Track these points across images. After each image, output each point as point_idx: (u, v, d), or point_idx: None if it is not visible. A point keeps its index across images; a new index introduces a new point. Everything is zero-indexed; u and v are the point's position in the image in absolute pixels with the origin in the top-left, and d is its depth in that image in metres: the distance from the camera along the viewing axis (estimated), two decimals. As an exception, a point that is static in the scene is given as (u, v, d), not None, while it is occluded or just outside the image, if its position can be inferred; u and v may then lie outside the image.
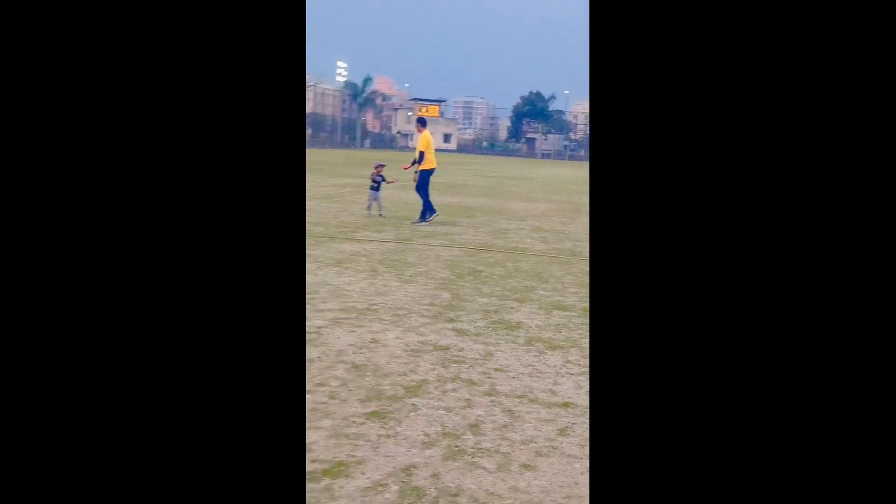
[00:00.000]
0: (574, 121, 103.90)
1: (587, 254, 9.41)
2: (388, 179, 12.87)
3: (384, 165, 13.08)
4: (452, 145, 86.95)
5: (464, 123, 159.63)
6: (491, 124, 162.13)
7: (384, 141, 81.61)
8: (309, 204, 14.24)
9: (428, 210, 12.15)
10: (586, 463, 3.23)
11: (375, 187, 12.77)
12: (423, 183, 12.25)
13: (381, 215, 12.55)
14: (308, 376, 4.19)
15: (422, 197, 12.23)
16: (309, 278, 7.03)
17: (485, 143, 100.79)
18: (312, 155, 43.58)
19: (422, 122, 12.92)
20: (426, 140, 12.41)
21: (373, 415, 3.68)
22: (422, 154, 12.29)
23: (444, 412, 3.77)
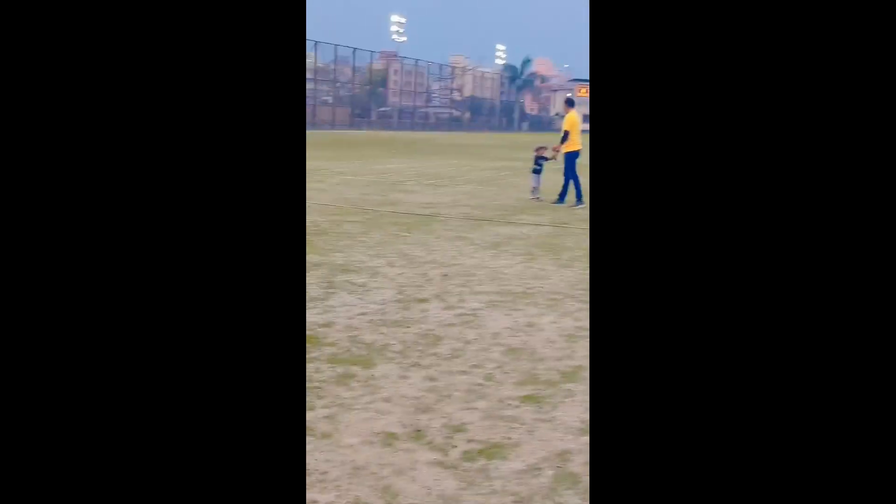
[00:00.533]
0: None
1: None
2: (548, 157, 12.74)
3: (545, 147, 12.98)
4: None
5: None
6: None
7: (542, 123, 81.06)
8: (466, 187, 14.42)
9: (577, 195, 11.87)
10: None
11: (538, 170, 12.71)
12: (569, 166, 12.00)
13: (539, 199, 12.49)
14: (465, 357, 4.26)
15: (570, 180, 11.99)
16: (465, 261, 7.12)
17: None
18: (472, 138, 44.06)
19: (570, 103, 12.79)
20: (571, 120, 12.17)
21: (528, 398, 3.68)
22: (566, 133, 12.05)
23: (600, 399, 3.71)
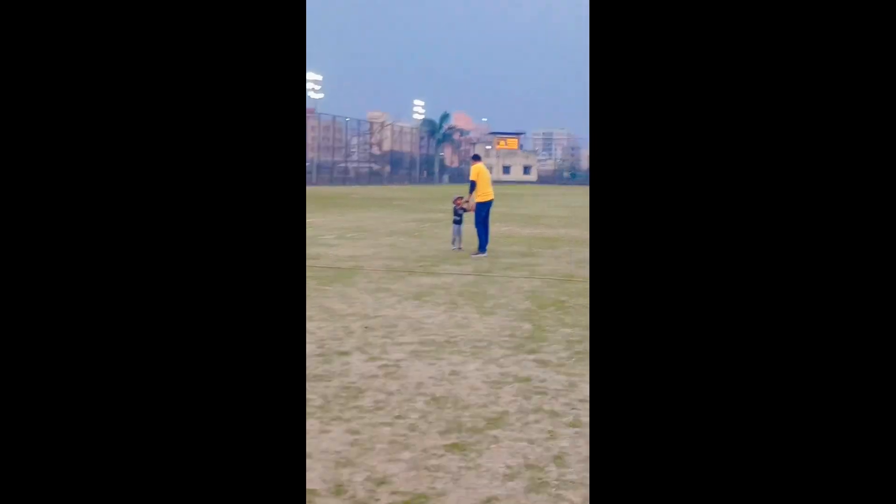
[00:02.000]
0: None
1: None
2: (467, 209, 12.89)
3: (462, 198, 13.12)
4: (532, 177, 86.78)
5: (543, 154, 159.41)
6: (572, 154, 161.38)
7: (463, 175, 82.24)
8: (388, 240, 14.40)
9: (480, 245, 12.08)
10: (677, 496, 3.08)
11: (458, 220, 12.81)
12: (478, 216, 12.23)
13: (459, 248, 12.55)
14: (388, 409, 4.16)
15: (478, 231, 12.20)
16: (388, 312, 7.05)
17: (566, 174, 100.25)
18: (392, 191, 44.29)
19: (476, 158, 13.42)
20: (477, 169, 12.58)
21: (453, 447, 3.61)
22: (473, 183, 12.36)
23: (526, 444, 3.67)
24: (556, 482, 3.23)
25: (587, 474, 3.30)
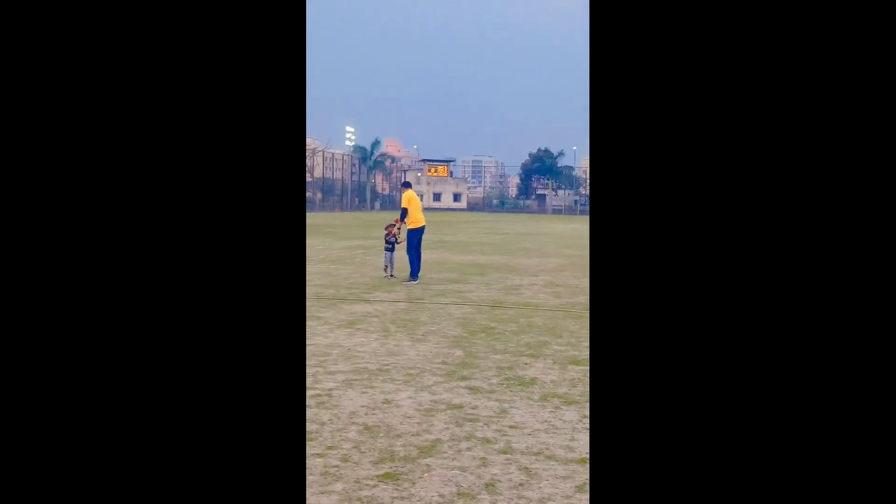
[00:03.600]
0: (583, 176, 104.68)
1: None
2: (398, 239, 12.91)
3: (394, 225, 13.14)
4: (463, 204, 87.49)
5: (473, 182, 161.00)
6: (500, 182, 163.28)
7: (395, 202, 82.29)
8: (320, 266, 14.29)
9: (413, 272, 12.15)
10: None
11: (390, 248, 12.82)
12: (410, 243, 12.31)
13: (391, 275, 12.55)
14: (320, 440, 4.13)
15: (409, 257, 12.27)
16: (320, 340, 7.00)
17: (495, 201, 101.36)
18: (323, 218, 43.95)
19: (406, 185, 13.48)
20: (408, 196, 12.69)
21: (386, 476, 3.60)
22: (404, 211, 12.45)
23: (458, 472, 3.69)
24: (488, 509, 3.25)
25: (519, 501, 3.34)
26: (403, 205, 12.60)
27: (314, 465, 3.72)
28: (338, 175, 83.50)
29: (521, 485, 3.54)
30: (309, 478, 3.55)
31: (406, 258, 12.38)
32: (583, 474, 3.69)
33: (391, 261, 12.75)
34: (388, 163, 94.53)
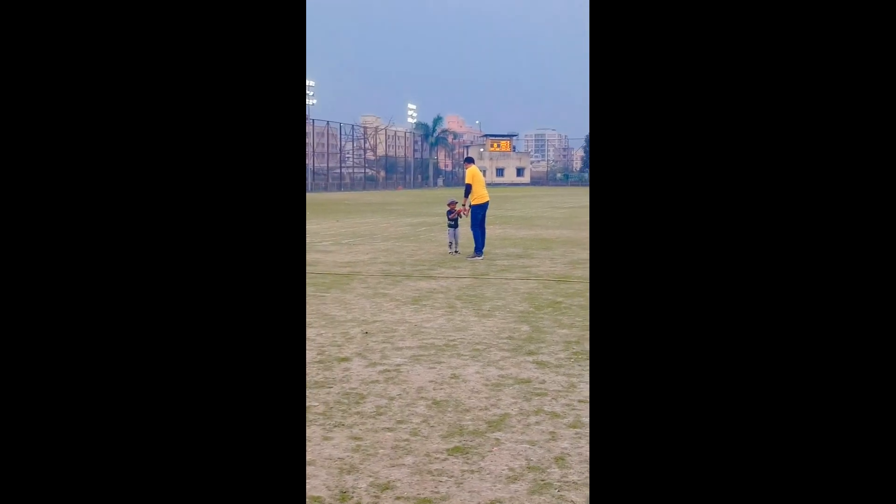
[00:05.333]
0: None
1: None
2: (462, 214, 12.91)
3: (456, 202, 13.14)
4: (526, 178, 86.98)
5: (537, 156, 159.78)
6: (564, 155, 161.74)
7: (457, 178, 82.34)
8: (385, 244, 14.42)
9: (477, 247, 12.15)
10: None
11: (453, 224, 12.84)
12: (474, 219, 12.27)
13: (456, 252, 12.58)
14: (389, 414, 4.18)
15: (473, 233, 12.25)
16: (387, 317, 7.07)
17: (559, 175, 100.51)
18: (387, 196, 44.31)
19: (469, 161, 13.37)
20: (471, 172, 12.58)
21: (455, 450, 3.63)
22: (468, 187, 12.39)
23: (528, 446, 3.69)
24: (558, 483, 3.25)
25: (588, 475, 3.32)
26: (467, 181, 12.57)
27: (384, 438, 3.78)
28: (400, 153, 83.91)
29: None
30: (379, 451, 3.61)
31: (470, 234, 12.38)
32: (654, 448, 3.65)
33: (455, 237, 12.77)
34: (450, 139, 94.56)
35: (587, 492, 3.14)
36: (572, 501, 3.07)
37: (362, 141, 78.51)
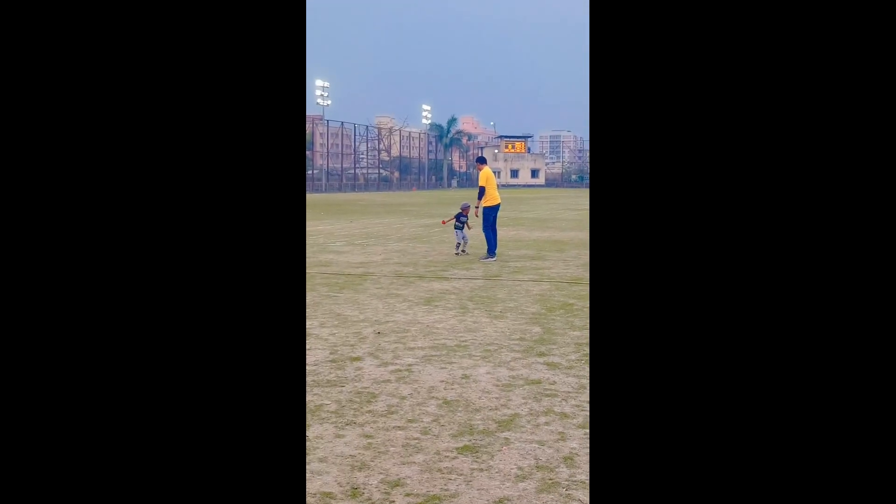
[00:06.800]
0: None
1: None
2: (467, 218, 12.92)
3: (469, 206, 13.14)
4: (541, 180, 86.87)
5: (552, 157, 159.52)
6: (579, 156, 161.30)
7: (471, 179, 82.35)
8: (398, 245, 14.48)
9: (490, 249, 12.17)
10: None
11: (459, 226, 12.88)
12: (486, 220, 12.28)
13: (464, 252, 12.61)
14: (401, 413, 4.24)
15: (486, 235, 12.27)
16: (399, 317, 7.13)
17: (574, 176, 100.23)
18: (401, 197, 44.36)
19: (481, 160, 13.33)
20: (485, 175, 12.56)
21: (465, 449, 3.68)
22: (482, 189, 12.40)
23: (537, 445, 3.74)
24: (566, 482, 3.29)
25: (597, 474, 3.36)
26: (481, 183, 12.57)
27: (395, 437, 3.83)
28: (414, 154, 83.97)
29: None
30: (390, 449, 3.66)
31: (482, 236, 12.41)
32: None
33: (464, 238, 12.80)
34: (464, 140, 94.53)
35: (595, 491, 3.18)
36: (580, 500, 3.11)
37: (376, 142, 78.68)
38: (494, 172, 13.11)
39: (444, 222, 12.75)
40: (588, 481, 3.28)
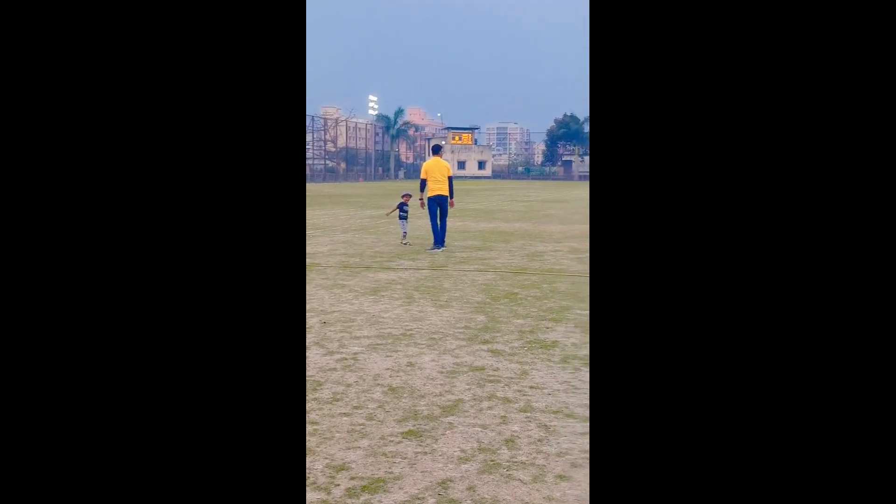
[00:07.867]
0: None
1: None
2: (407, 208, 12.97)
3: (411, 195, 13.26)
4: (487, 172, 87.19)
5: (498, 149, 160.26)
6: (526, 149, 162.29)
7: (418, 170, 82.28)
8: (345, 236, 14.46)
9: (436, 240, 12.23)
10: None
11: (404, 216, 12.96)
12: (431, 212, 12.37)
13: (408, 244, 12.69)
14: (346, 400, 4.29)
15: (432, 225, 12.35)
16: (345, 307, 7.16)
17: (520, 168, 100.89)
18: (348, 188, 44.11)
19: (436, 149, 13.18)
20: (426, 168, 12.52)
21: (410, 433, 3.76)
22: (423, 182, 12.46)
23: (479, 429, 3.84)
24: (507, 463, 3.40)
25: (537, 455, 3.48)
26: (422, 176, 12.57)
27: (341, 423, 3.89)
28: (361, 145, 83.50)
29: (539, 440, 3.68)
30: (336, 435, 3.72)
31: (429, 227, 12.49)
32: (599, 431, 3.81)
33: (405, 227, 12.91)
34: (411, 131, 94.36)
35: (534, 471, 3.29)
36: (520, 480, 3.22)
37: (322, 132, 78.00)
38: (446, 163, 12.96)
39: (387, 214, 12.77)
40: (527, 462, 3.39)
